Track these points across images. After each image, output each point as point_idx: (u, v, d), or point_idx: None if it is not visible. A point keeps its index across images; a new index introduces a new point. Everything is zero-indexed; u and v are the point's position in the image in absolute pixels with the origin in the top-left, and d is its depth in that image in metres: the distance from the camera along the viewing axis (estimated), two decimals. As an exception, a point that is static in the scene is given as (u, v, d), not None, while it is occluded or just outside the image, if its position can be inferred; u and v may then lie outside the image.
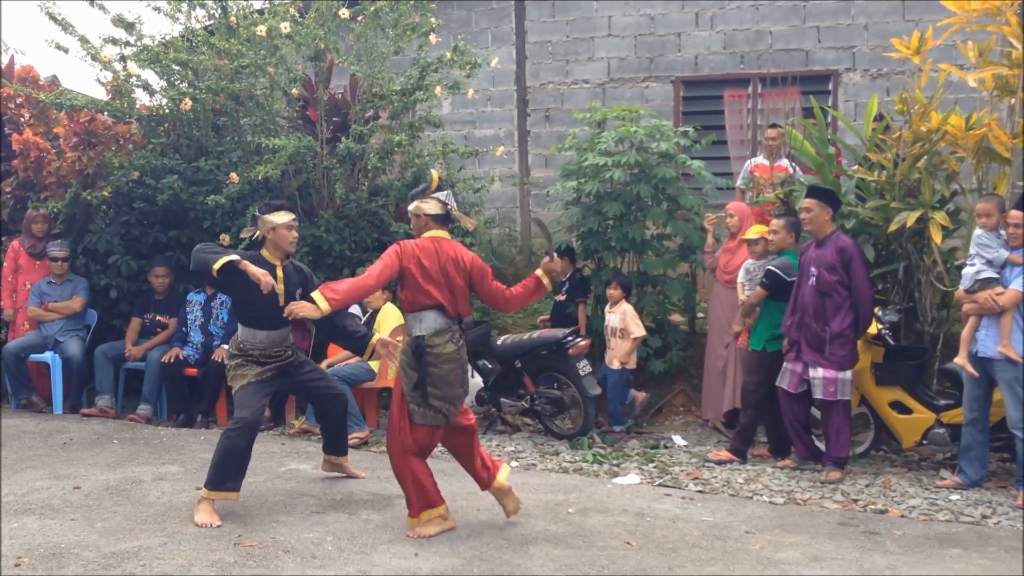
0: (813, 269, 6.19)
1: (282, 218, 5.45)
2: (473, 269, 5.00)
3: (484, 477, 5.19)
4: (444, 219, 5.06)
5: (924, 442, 6.47)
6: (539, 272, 5.09)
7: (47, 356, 8.02)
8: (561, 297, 8.30)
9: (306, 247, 8.11)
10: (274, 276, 5.36)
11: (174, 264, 8.30)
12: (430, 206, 5.04)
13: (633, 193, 7.91)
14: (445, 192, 5.09)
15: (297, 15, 8.54)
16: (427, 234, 5.02)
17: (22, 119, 9.03)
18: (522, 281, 5.15)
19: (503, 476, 5.19)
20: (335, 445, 6.01)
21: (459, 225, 5.29)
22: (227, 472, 5.15)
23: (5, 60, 9.56)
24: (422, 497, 4.98)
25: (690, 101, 10.75)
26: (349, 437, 6.97)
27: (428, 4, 8.75)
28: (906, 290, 7.08)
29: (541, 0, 11.17)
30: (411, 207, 5.10)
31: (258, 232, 5.53)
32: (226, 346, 7.58)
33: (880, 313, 6.46)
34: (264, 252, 5.50)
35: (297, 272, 5.60)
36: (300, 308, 4.90)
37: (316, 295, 4.84)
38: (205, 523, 5.01)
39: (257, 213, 5.53)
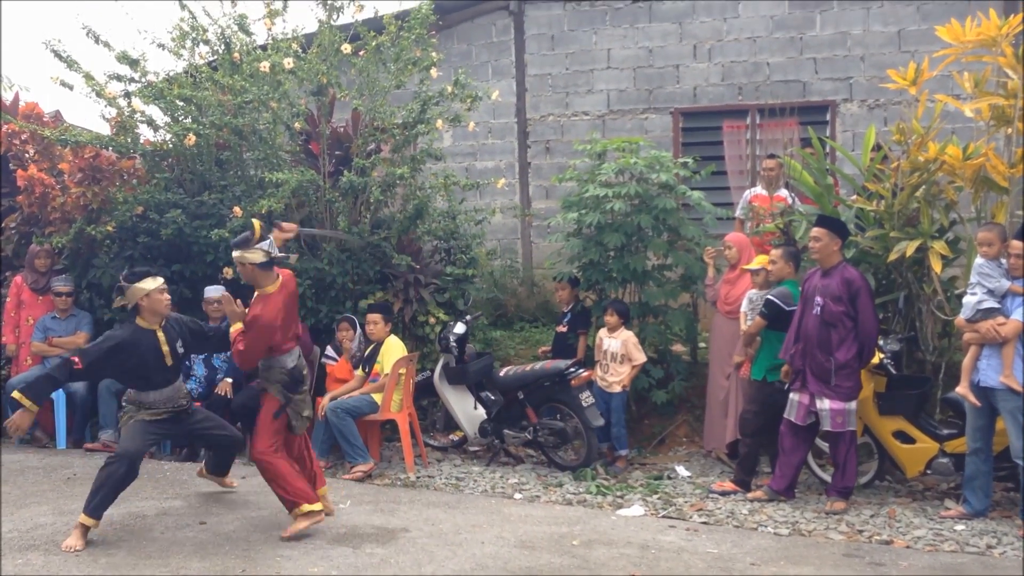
0: (818, 298, 6.20)
1: (153, 284, 5.54)
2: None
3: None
4: (268, 266, 5.46)
5: (928, 472, 6.46)
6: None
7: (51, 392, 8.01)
8: (563, 328, 8.32)
9: (309, 279, 8.15)
10: (155, 340, 5.54)
11: (177, 298, 8.32)
12: (255, 256, 5.42)
13: (634, 224, 7.96)
14: (268, 241, 5.46)
15: (300, 50, 8.61)
16: (270, 287, 5.48)
17: (27, 155, 9.12)
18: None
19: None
20: (218, 470, 6.36)
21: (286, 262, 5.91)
22: (94, 499, 5.32)
23: (10, 97, 9.65)
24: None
25: (689, 132, 10.83)
26: (353, 470, 7.02)
27: (429, 39, 8.83)
28: (907, 319, 7.11)
29: (541, 34, 11.28)
30: (235, 255, 5.48)
31: (128, 303, 5.54)
32: (230, 380, 7.63)
33: (882, 342, 6.48)
34: (139, 320, 5.55)
35: (176, 326, 5.75)
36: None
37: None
38: (72, 547, 5.19)
39: (123, 283, 5.52)
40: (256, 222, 5.48)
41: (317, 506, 5.49)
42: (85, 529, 5.29)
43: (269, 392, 5.55)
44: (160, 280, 5.61)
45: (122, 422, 5.67)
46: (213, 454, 6.34)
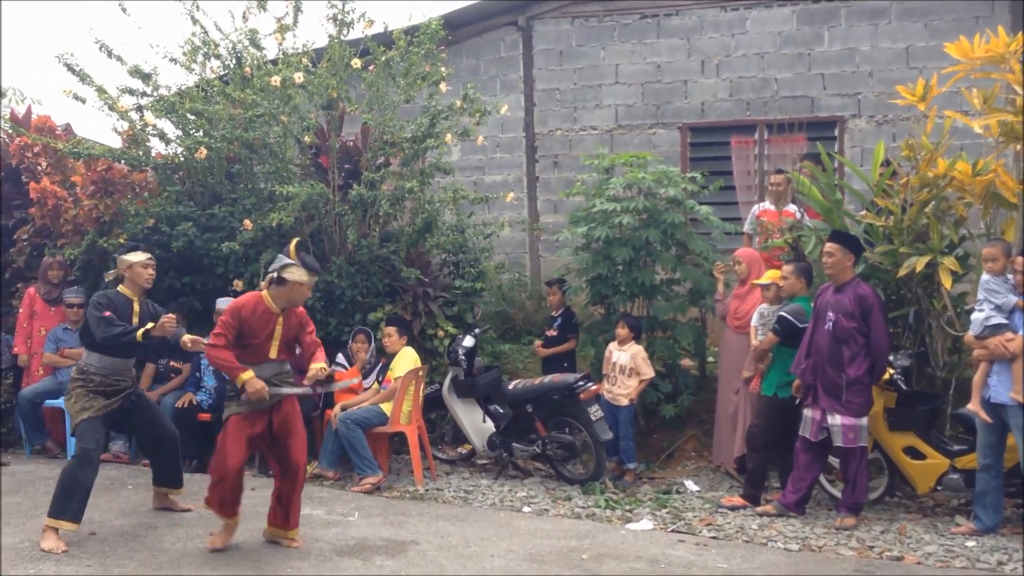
0: (830, 314, 6.20)
1: (138, 257, 5.93)
2: None
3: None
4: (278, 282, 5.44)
5: (938, 488, 6.45)
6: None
7: (62, 402, 8.03)
8: (552, 332, 8.43)
9: (318, 292, 8.18)
10: (131, 310, 5.86)
11: (188, 310, 8.37)
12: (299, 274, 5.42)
13: (642, 238, 7.98)
14: (279, 260, 5.46)
15: (310, 65, 8.67)
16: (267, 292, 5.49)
17: (39, 167, 9.17)
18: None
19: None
20: (168, 478, 6.29)
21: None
22: (70, 503, 5.47)
23: (23, 110, 9.72)
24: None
25: (697, 147, 10.86)
26: (362, 482, 7.02)
27: (438, 53, 8.89)
28: (917, 335, 7.10)
29: (549, 49, 11.33)
30: (284, 274, 5.43)
31: (117, 272, 6.01)
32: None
33: (892, 358, 6.48)
34: (122, 288, 5.94)
35: (151, 309, 6.01)
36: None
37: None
38: (52, 549, 5.33)
39: (116, 254, 6.04)
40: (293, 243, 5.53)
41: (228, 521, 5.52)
42: (55, 531, 5.45)
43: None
44: (146, 256, 5.96)
45: (72, 409, 5.74)
46: (152, 461, 6.35)
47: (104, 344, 5.71)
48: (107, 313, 5.70)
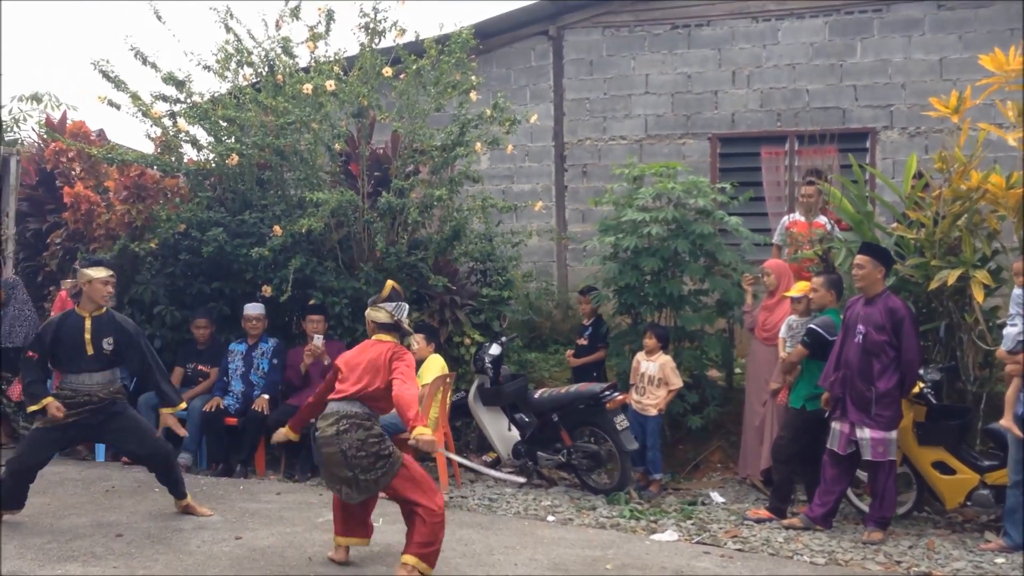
0: (860, 327, 6.14)
1: (99, 273, 5.97)
2: (395, 364, 5.11)
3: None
4: (391, 328, 5.30)
5: (968, 503, 6.36)
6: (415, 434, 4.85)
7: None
8: (583, 341, 8.43)
9: (346, 299, 8.23)
10: (81, 326, 5.92)
11: (216, 315, 8.44)
12: (380, 316, 5.31)
13: (670, 249, 7.96)
14: (394, 304, 5.32)
15: (341, 73, 8.73)
16: (374, 337, 5.34)
17: (73, 172, 9.30)
18: (418, 408, 5.00)
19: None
20: (172, 490, 6.28)
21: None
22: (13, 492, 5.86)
23: (58, 116, 9.86)
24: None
25: (727, 158, 10.82)
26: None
27: (469, 63, 8.92)
28: (948, 349, 7.03)
29: (579, 58, 11.35)
30: (367, 312, 5.41)
31: (76, 284, 6.10)
32: (267, 396, 7.70)
33: (922, 372, 6.41)
34: (76, 307, 6.04)
35: (111, 323, 6.04)
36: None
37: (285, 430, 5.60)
38: None
39: (77, 266, 6.06)
40: (389, 283, 5.47)
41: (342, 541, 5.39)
42: None
43: None
44: (107, 272, 6.01)
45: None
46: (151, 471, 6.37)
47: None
48: (30, 354, 5.94)
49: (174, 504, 6.33)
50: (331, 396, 5.20)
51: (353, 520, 5.35)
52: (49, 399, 5.85)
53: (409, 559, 4.93)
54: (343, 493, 5.09)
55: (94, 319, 5.98)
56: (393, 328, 5.32)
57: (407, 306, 5.44)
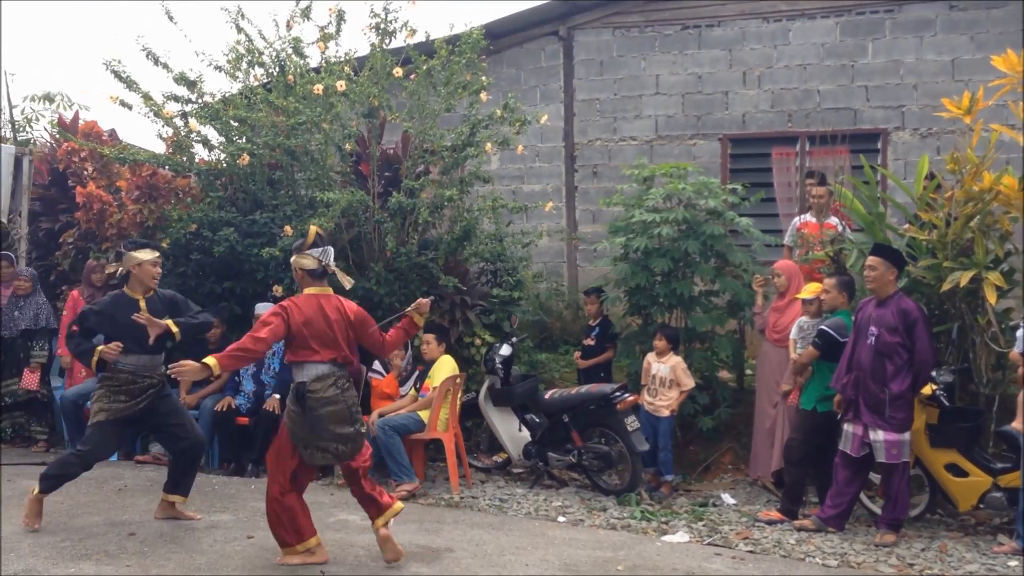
0: (873, 328, 6.13)
1: (147, 255, 5.99)
2: (355, 319, 5.34)
3: (371, 512, 5.37)
4: (320, 274, 5.36)
5: (981, 506, 6.34)
6: (412, 313, 5.60)
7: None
8: (590, 341, 8.44)
9: (357, 299, 8.21)
10: (136, 310, 5.89)
11: (227, 315, 8.46)
12: (307, 262, 5.33)
13: (681, 249, 7.95)
14: (320, 249, 5.36)
15: (352, 73, 8.74)
16: (307, 291, 5.33)
17: (85, 172, 9.34)
18: (397, 325, 5.64)
19: (383, 520, 5.31)
20: (180, 485, 6.18)
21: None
22: (51, 481, 5.84)
23: (70, 116, 9.90)
24: (294, 532, 5.25)
25: (738, 159, 10.80)
26: (398, 489, 7.03)
27: (479, 63, 8.92)
28: (960, 351, 7.00)
29: (589, 59, 11.34)
30: (292, 260, 5.44)
31: (122, 268, 5.98)
32: (278, 396, 7.72)
33: (934, 374, 6.38)
34: (126, 288, 6.00)
35: (162, 301, 6.09)
36: (181, 369, 5.10)
37: (209, 359, 5.10)
38: (30, 523, 5.76)
39: (122, 249, 5.99)
40: (312, 228, 5.49)
41: (313, 541, 5.30)
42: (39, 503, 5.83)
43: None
44: (155, 253, 5.99)
45: (93, 407, 5.88)
46: (172, 462, 6.23)
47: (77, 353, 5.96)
48: (74, 328, 5.95)
49: (163, 500, 6.17)
50: (311, 358, 5.15)
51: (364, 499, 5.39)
52: (100, 347, 5.83)
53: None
54: (339, 454, 5.15)
55: (148, 300, 6.00)
56: (322, 274, 5.37)
57: (332, 249, 5.48)
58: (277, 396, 7.79)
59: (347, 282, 5.66)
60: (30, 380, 8.56)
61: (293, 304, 5.23)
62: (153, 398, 5.96)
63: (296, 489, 5.28)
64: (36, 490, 5.84)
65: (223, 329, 8.37)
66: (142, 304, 5.95)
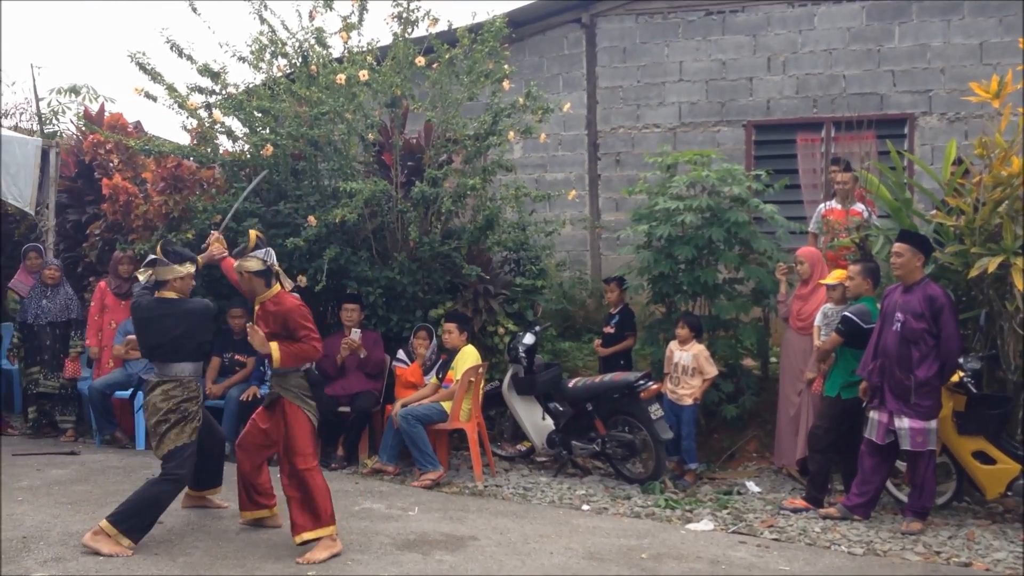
0: (899, 315, 6.08)
1: (190, 269, 5.69)
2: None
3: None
4: (266, 274, 5.45)
5: (1008, 493, 6.28)
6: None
7: (131, 394, 8.24)
8: (610, 329, 8.43)
9: (380, 289, 8.26)
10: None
11: (250, 307, 8.49)
12: (251, 264, 5.41)
13: (705, 237, 7.91)
14: (264, 250, 5.45)
15: (375, 63, 8.74)
16: (274, 291, 5.49)
17: (111, 164, 9.41)
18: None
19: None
20: (208, 480, 6.13)
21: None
22: (137, 519, 5.30)
23: (96, 108, 9.97)
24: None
25: (762, 145, 10.72)
26: (422, 478, 7.07)
27: (502, 51, 8.89)
28: (988, 337, 6.92)
29: (612, 46, 11.29)
30: (235, 265, 5.54)
31: (156, 277, 5.62)
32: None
33: (962, 360, 6.32)
34: (171, 294, 5.61)
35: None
36: (256, 333, 5.38)
37: (274, 347, 5.36)
38: (97, 548, 5.16)
39: (163, 258, 5.60)
40: (252, 232, 5.54)
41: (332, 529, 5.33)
42: (108, 538, 5.22)
43: (293, 404, 5.43)
44: (193, 267, 5.77)
45: (176, 427, 5.46)
46: (199, 461, 5.83)
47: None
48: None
49: (188, 498, 6.11)
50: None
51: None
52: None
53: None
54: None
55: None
56: (267, 273, 5.46)
57: (272, 250, 5.56)
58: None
59: (287, 284, 5.68)
60: (73, 369, 8.66)
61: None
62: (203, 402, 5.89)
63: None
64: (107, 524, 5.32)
65: (247, 319, 8.41)
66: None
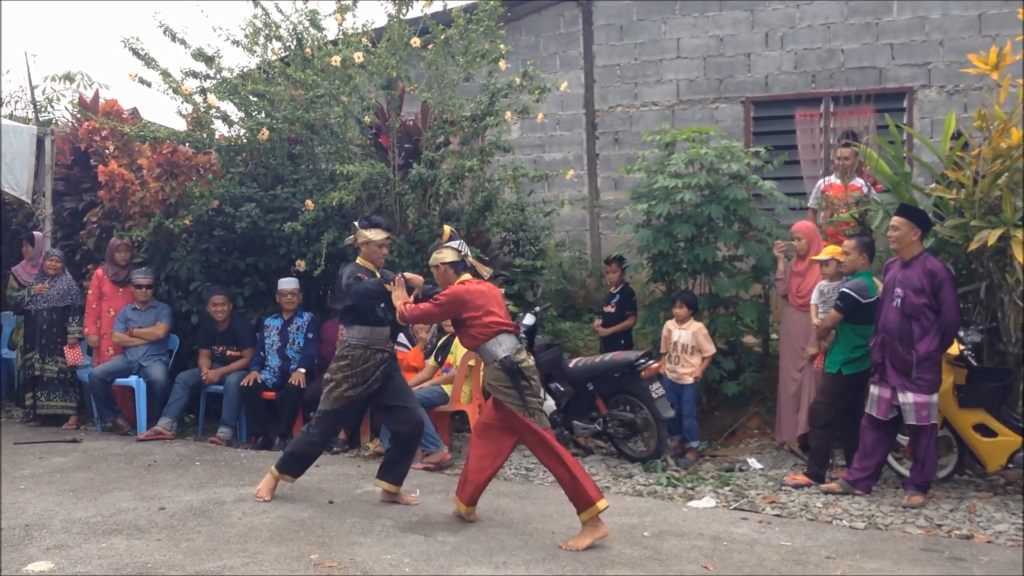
0: (899, 290, 6.05)
1: (376, 235, 5.95)
2: None
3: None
4: (461, 265, 5.58)
5: (1010, 466, 6.28)
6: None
7: (132, 380, 8.25)
8: (611, 309, 8.42)
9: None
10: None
11: (252, 290, 8.51)
12: (446, 255, 5.56)
13: (704, 215, 7.88)
14: (458, 241, 5.59)
15: (370, 45, 8.69)
16: (464, 278, 5.54)
17: (107, 151, 9.38)
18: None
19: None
20: (396, 472, 6.04)
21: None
22: (295, 464, 6.03)
23: (91, 95, 9.92)
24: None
25: (761, 121, 10.67)
26: (426, 459, 7.07)
27: (497, 31, 8.84)
28: (988, 310, 6.90)
29: (609, 24, 11.22)
30: (430, 260, 5.67)
31: (356, 240, 6.01)
32: (303, 370, 7.77)
33: (962, 334, 6.31)
34: (361, 260, 5.98)
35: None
36: (414, 277, 5.71)
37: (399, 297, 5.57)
38: (260, 493, 5.98)
39: (357, 224, 6.00)
40: (447, 227, 5.69)
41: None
42: (275, 480, 6.01)
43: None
44: (385, 234, 6.00)
45: (330, 386, 5.82)
46: (390, 448, 6.12)
47: (362, 303, 5.75)
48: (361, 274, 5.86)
49: (385, 493, 6.11)
50: (493, 331, 5.38)
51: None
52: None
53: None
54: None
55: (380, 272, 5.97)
56: (461, 264, 5.57)
57: (464, 241, 5.70)
58: (302, 370, 7.85)
59: (485, 272, 5.73)
60: (73, 356, 8.64)
61: (468, 290, 5.44)
62: (385, 374, 5.91)
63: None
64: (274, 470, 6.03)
65: (230, 307, 8.40)
66: (377, 276, 5.87)
